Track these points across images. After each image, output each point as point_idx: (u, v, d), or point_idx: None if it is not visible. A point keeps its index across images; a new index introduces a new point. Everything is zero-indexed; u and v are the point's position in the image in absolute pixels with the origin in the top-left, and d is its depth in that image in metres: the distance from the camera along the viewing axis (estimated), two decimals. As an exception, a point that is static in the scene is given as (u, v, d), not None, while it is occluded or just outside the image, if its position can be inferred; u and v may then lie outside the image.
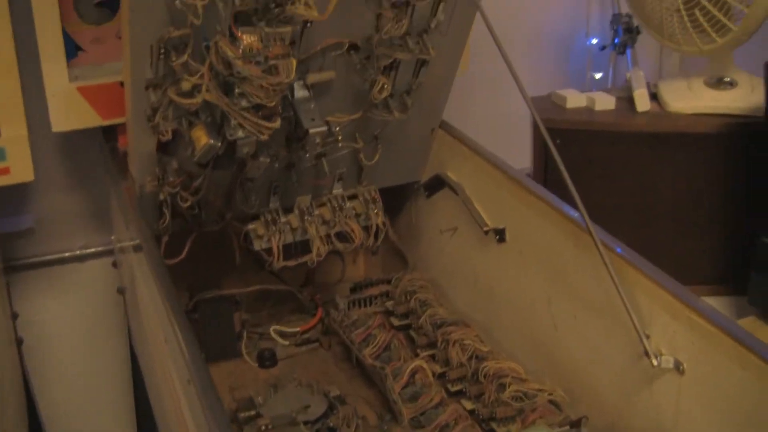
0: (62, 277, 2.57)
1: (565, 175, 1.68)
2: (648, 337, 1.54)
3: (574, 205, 1.68)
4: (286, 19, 1.56)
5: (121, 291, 2.46)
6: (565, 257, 1.77)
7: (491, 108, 2.86)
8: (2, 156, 2.04)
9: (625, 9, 2.73)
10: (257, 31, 1.54)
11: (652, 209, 2.45)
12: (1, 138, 2.03)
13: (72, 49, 2.06)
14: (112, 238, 2.49)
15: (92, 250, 2.59)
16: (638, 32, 2.75)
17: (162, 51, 1.64)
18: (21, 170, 2.06)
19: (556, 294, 1.81)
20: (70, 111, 2.05)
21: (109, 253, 2.56)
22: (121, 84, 2.01)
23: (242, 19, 1.55)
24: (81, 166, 2.48)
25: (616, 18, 2.83)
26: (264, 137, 1.65)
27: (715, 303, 2.14)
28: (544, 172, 2.49)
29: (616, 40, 2.84)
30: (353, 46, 1.84)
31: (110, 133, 2.18)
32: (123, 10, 1.63)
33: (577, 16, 3.02)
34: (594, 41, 2.99)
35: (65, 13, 2.02)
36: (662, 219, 2.45)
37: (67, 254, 2.57)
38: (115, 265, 2.51)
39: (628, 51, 2.81)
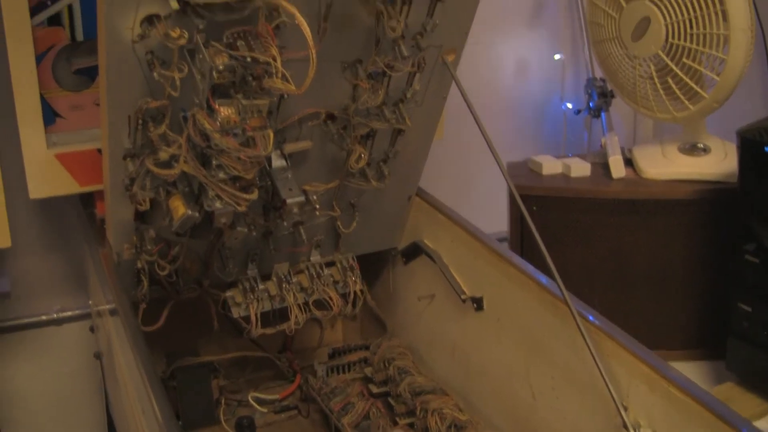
0: (39, 340, 2.56)
1: (541, 244, 1.69)
2: (626, 408, 1.54)
3: (551, 274, 1.69)
4: (264, 91, 1.57)
5: (97, 356, 2.44)
6: (543, 327, 1.77)
7: (468, 172, 2.88)
8: (-22, 222, 2.04)
9: (599, 73, 2.76)
10: (234, 103, 1.55)
11: (628, 274, 2.46)
12: (-23, 205, 2.03)
13: (50, 116, 2.07)
14: (90, 302, 2.47)
15: (69, 313, 2.57)
16: (612, 96, 2.78)
17: (140, 121, 1.65)
18: (-2, 237, 2.06)
19: (534, 363, 1.81)
20: (47, 178, 2.05)
21: (87, 317, 2.55)
22: (99, 151, 2.01)
23: (220, 91, 1.56)
24: (58, 229, 2.48)
25: (590, 82, 2.85)
26: (242, 209, 1.66)
27: (693, 368, 2.16)
28: (521, 238, 2.50)
29: (590, 104, 2.86)
30: (330, 116, 1.85)
31: (88, 199, 2.17)
32: (101, 80, 1.64)
33: (552, 80, 3.06)
34: (569, 105, 3.02)
35: (43, 79, 2.03)
36: (639, 284, 2.45)
37: (44, 317, 2.55)
38: (92, 329, 2.49)
39: (603, 115, 2.84)
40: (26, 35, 1.98)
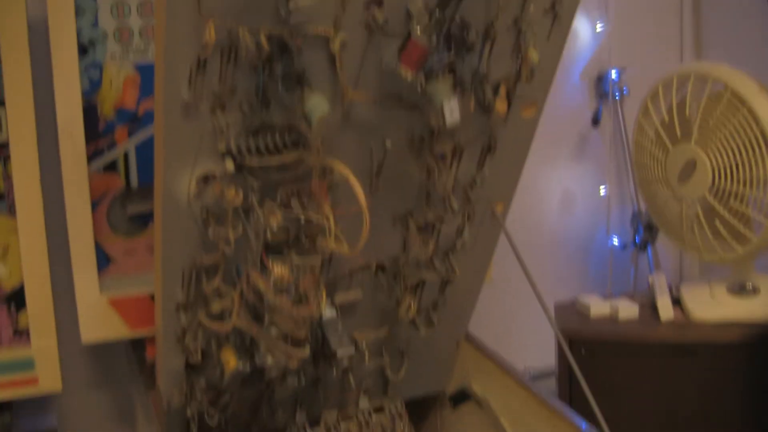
0: (84, 477, 2.55)
1: (590, 396, 1.68)
2: None
3: (599, 424, 1.68)
4: (317, 248, 1.58)
5: (143, 495, 2.43)
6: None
7: (517, 310, 2.87)
8: (31, 366, 2.05)
9: (644, 207, 2.77)
10: (287, 261, 1.57)
11: (678, 418, 2.43)
12: (30, 348, 2.04)
13: (103, 260, 2.10)
14: (137, 442, 2.47)
15: (116, 452, 2.56)
16: (658, 229, 2.77)
17: (193, 275, 1.67)
18: (49, 381, 2.07)
19: None
20: (99, 322, 2.06)
21: (133, 456, 2.55)
22: (151, 297, 2.03)
23: (273, 247, 1.58)
24: (106, 368, 2.49)
25: (635, 216, 2.86)
26: (293, 365, 1.66)
27: None
28: (570, 381, 2.48)
29: (636, 238, 2.86)
30: (380, 267, 1.87)
31: (138, 340, 2.18)
32: (156, 233, 1.66)
33: (597, 214, 3.06)
34: (615, 240, 3.02)
35: (98, 224, 2.07)
36: (689, 427, 2.42)
37: (89, 455, 2.54)
38: (137, 471, 2.49)
39: (649, 249, 2.84)
40: (83, 182, 2.02)
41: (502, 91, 1.63)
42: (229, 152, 1.52)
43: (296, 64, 1.46)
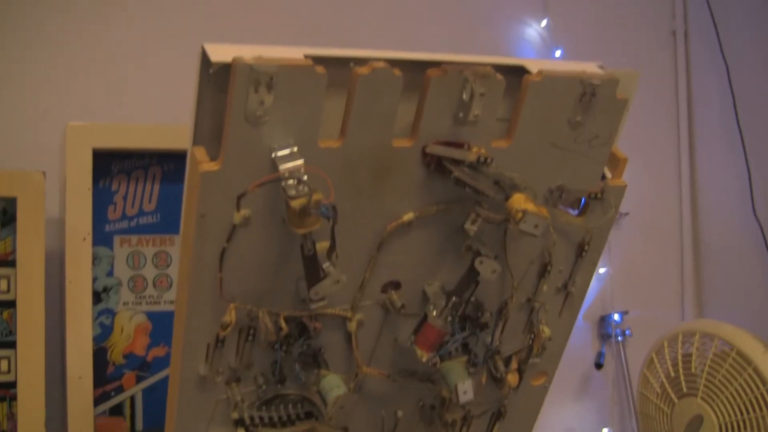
0: None
1: None
2: None
3: None
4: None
5: None
6: None
7: None
8: None
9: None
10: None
11: None
12: None
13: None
14: None
15: None
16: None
17: None
18: None
19: None
20: None
21: None
22: None
23: None
24: None
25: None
26: None
27: None
28: None
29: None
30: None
31: None
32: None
33: None
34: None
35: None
36: None
37: None
38: None
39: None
40: (88, 426, 2.02)
41: (514, 364, 1.65)
42: (241, 422, 1.53)
43: (313, 344, 1.48)
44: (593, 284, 2.99)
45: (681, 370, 2.44)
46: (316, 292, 1.35)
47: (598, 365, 2.98)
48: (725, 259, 3.16)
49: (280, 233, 1.36)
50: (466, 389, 1.51)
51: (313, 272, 1.35)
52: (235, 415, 1.53)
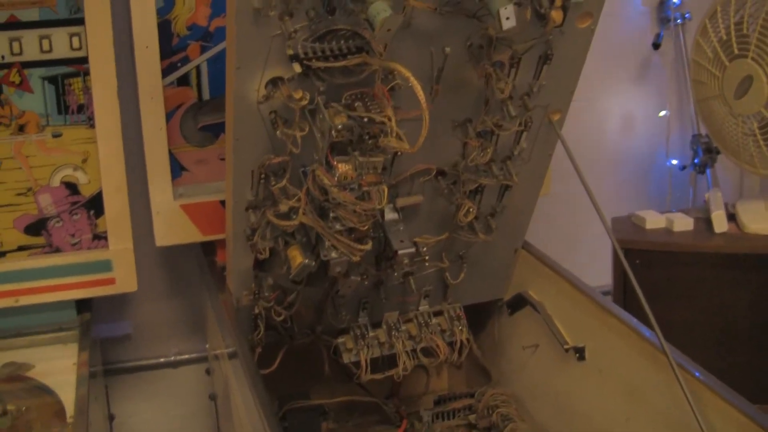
0: (157, 381, 2.69)
1: (642, 299, 1.75)
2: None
3: (652, 327, 1.74)
4: (379, 148, 1.66)
5: (212, 397, 2.55)
6: (643, 377, 1.82)
7: (573, 227, 2.92)
8: (109, 267, 2.17)
9: (704, 129, 2.79)
10: (351, 160, 1.66)
11: (730, 328, 2.48)
12: (109, 250, 2.16)
13: (177, 169, 2.20)
14: (207, 346, 2.58)
15: (186, 356, 2.70)
16: (718, 152, 2.80)
17: (262, 176, 1.77)
18: (126, 281, 2.19)
19: (634, 413, 1.85)
20: (173, 227, 2.18)
21: (202, 360, 2.66)
22: (222, 203, 2.13)
23: (338, 148, 1.67)
24: (177, 276, 2.62)
25: (695, 139, 2.89)
26: (356, 259, 1.75)
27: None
28: (624, 291, 2.55)
29: (695, 161, 2.89)
30: (440, 172, 1.95)
31: (209, 247, 2.29)
32: (227, 137, 1.76)
33: (658, 137, 3.09)
34: (674, 162, 3.05)
35: (172, 135, 2.17)
36: (740, 338, 2.48)
37: (162, 360, 2.68)
38: (208, 372, 2.60)
39: (708, 171, 2.87)
40: (158, 94, 2.12)
41: (558, 1, 1.68)
42: (296, 56, 1.60)
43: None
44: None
45: (733, 33, 2.45)
46: None
47: (656, 45, 2.99)
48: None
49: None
50: (509, 15, 1.55)
51: None
52: (290, 51, 1.60)
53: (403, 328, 2.13)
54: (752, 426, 1.54)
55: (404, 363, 2.10)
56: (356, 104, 1.63)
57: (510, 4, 1.55)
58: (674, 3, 2.97)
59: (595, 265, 2.65)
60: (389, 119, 1.61)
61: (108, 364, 2.59)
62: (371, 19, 1.52)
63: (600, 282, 2.59)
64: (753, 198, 2.74)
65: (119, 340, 2.61)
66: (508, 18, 1.55)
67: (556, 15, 1.68)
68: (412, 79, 1.56)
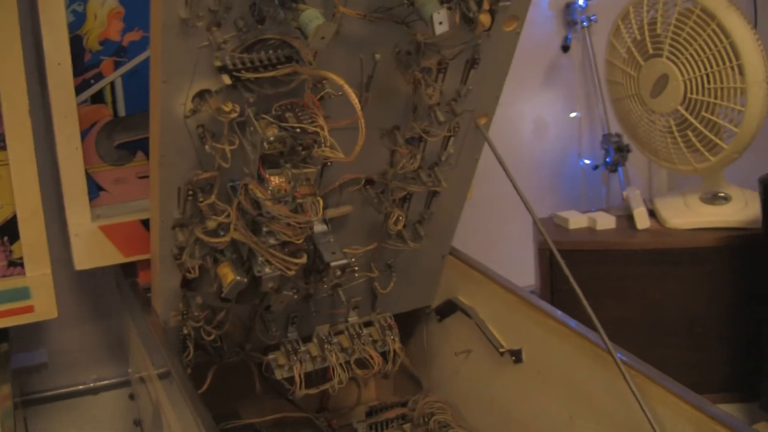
0: (77, 409, 2.60)
1: (579, 293, 1.75)
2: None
3: (587, 323, 1.74)
4: (311, 159, 1.64)
5: (137, 423, 2.48)
6: (585, 375, 1.82)
7: (492, 230, 2.93)
8: (27, 295, 2.09)
9: (615, 129, 2.83)
10: (284, 172, 1.62)
11: (659, 322, 2.52)
12: (26, 277, 2.08)
13: (94, 190, 2.13)
14: (129, 370, 2.51)
15: (106, 382, 2.61)
16: (629, 151, 2.85)
17: (190, 193, 1.72)
18: (45, 308, 2.10)
19: (578, 412, 1.85)
20: (92, 249, 2.11)
21: (124, 384, 2.59)
22: (143, 222, 2.08)
23: (269, 161, 1.63)
24: (94, 300, 2.54)
25: (606, 138, 2.93)
26: (291, 273, 1.72)
27: (727, 410, 2.21)
28: (551, 291, 2.56)
29: (607, 159, 2.93)
30: (369, 181, 1.93)
31: (128, 268, 2.23)
32: (152, 153, 1.71)
33: (569, 137, 3.13)
34: (587, 161, 3.09)
35: (87, 155, 2.10)
36: (669, 331, 2.52)
37: (81, 387, 2.60)
38: (131, 397, 2.53)
39: (620, 169, 2.91)
40: (72, 113, 2.05)
41: (486, 4, 1.67)
42: (225, 68, 1.56)
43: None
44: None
45: (647, 33, 2.49)
46: None
47: (565, 48, 3.02)
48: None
49: None
50: (441, 19, 1.54)
51: None
52: (218, 63, 1.56)
53: (335, 340, 2.10)
54: (701, 416, 1.55)
55: (339, 376, 2.07)
56: (287, 115, 1.60)
57: (443, 9, 1.54)
58: (580, 6, 3.01)
59: (516, 266, 2.66)
60: (322, 129, 1.58)
61: (26, 395, 2.50)
62: (303, 27, 1.49)
63: (523, 283, 2.59)
64: (668, 194, 2.79)
65: (35, 369, 2.52)
66: (441, 23, 1.54)
67: (485, 18, 1.67)
68: (345, 87, 1.53)
